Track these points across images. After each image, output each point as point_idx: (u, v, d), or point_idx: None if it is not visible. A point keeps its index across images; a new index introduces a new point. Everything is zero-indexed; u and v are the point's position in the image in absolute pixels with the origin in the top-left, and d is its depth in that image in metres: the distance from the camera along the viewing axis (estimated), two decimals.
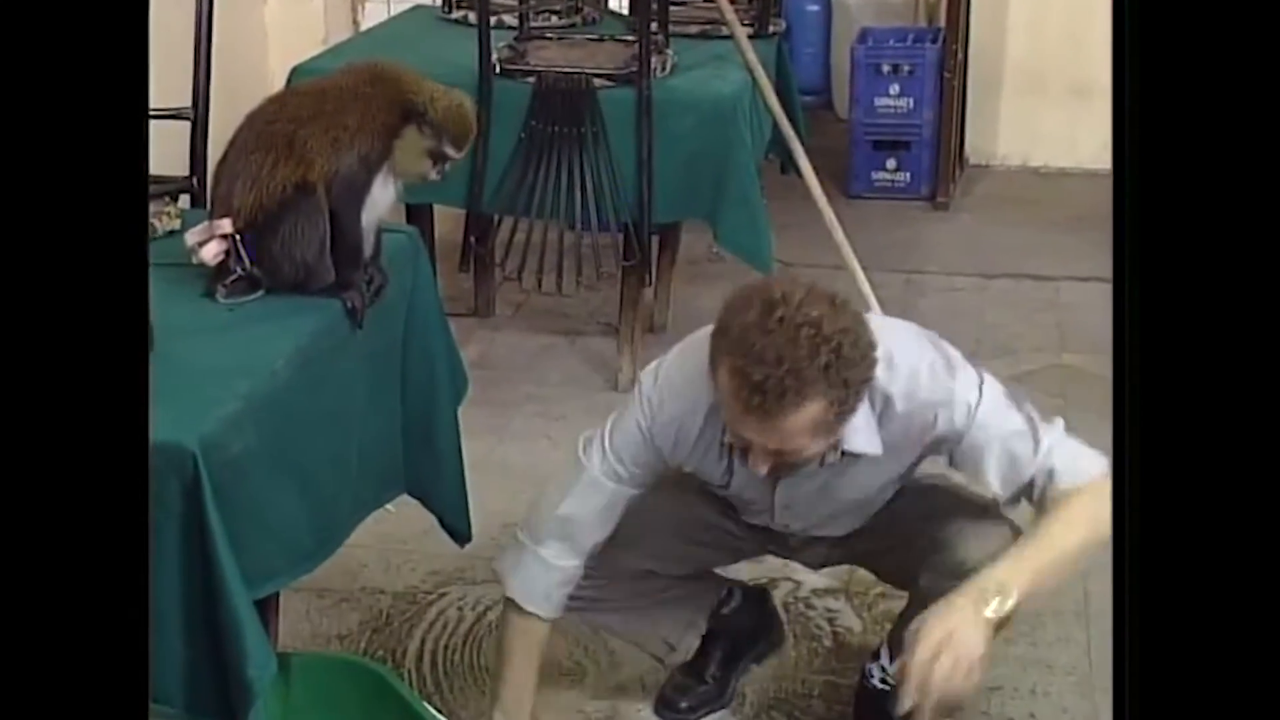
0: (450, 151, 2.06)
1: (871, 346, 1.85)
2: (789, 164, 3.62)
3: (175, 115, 2.40)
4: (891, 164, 4.79)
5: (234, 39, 3.86)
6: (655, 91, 3.28)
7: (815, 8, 5.31)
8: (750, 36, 3.53)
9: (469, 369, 2.49)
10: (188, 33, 2.53)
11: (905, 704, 1.82)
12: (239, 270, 1.97)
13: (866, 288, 3.35)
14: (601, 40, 3.60)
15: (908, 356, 1.97)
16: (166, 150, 2.00)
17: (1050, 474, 1.97)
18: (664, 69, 3.37)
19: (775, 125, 3.52)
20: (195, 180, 2.42)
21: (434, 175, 2.08)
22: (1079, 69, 4.94)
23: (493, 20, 3.41)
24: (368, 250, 2.05)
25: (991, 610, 1.84)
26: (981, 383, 1.99)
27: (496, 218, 3.57)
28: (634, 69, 3.28)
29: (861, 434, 1.95)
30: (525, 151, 3.34)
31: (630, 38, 3.43)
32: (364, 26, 4.73)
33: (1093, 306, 3.99)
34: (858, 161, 4.80)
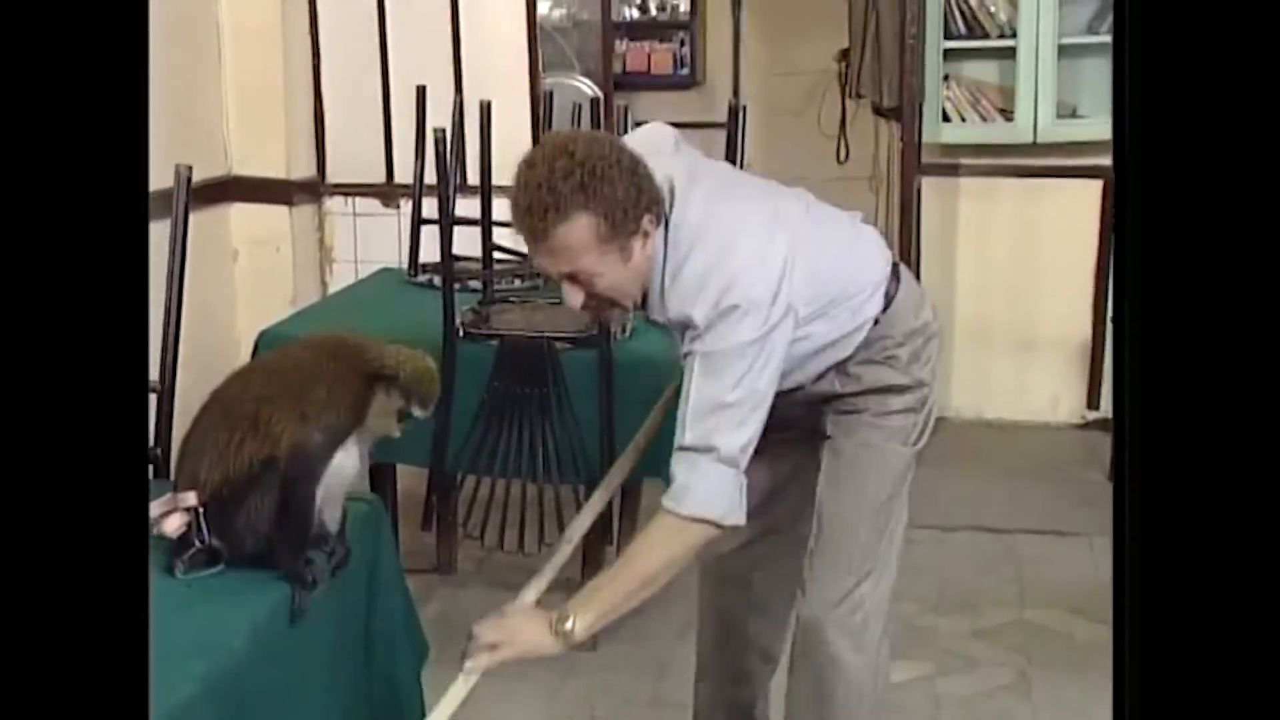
0: (417, 412, 2.10)
1: (634, 171, 2.06)
2: None
3: None
4: None
5: (203, 299, 3.94)
6: (616, 354, 3.36)
7: None
8: None
9: (430, 627, 2.48)
10: (155, 300, 2.58)
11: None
12: (200, 543, 1.97)
13: None
14: (562, 303, 3.69)
15: (738, 242, 2.13)
16: None
17: (670, 477, 2.17)
18: (624, 332, 3.45)
19: None
20: (160, 451, 2.44)
21: (396, 433, 2.12)
22: (1024, 327, 5.12)
23: (457, 284, 3.51)
24: (332, 524, 2.06)
25: (559, 630, 2.15)
26: (744, 312, 2.09)
27: (460, 476, 3.59)
28: (595, 332, 3.36)
29: (655, 307, 2.21)
30: (489, 412, 3.39)
31: None
32: (333, 286, 4.84)
33: (1051, 560, 4.02)
34: None
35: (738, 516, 2.18)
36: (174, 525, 1.97)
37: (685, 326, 2.17)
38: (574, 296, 2.17)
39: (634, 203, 2.06)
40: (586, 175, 2.02)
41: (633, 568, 2.20)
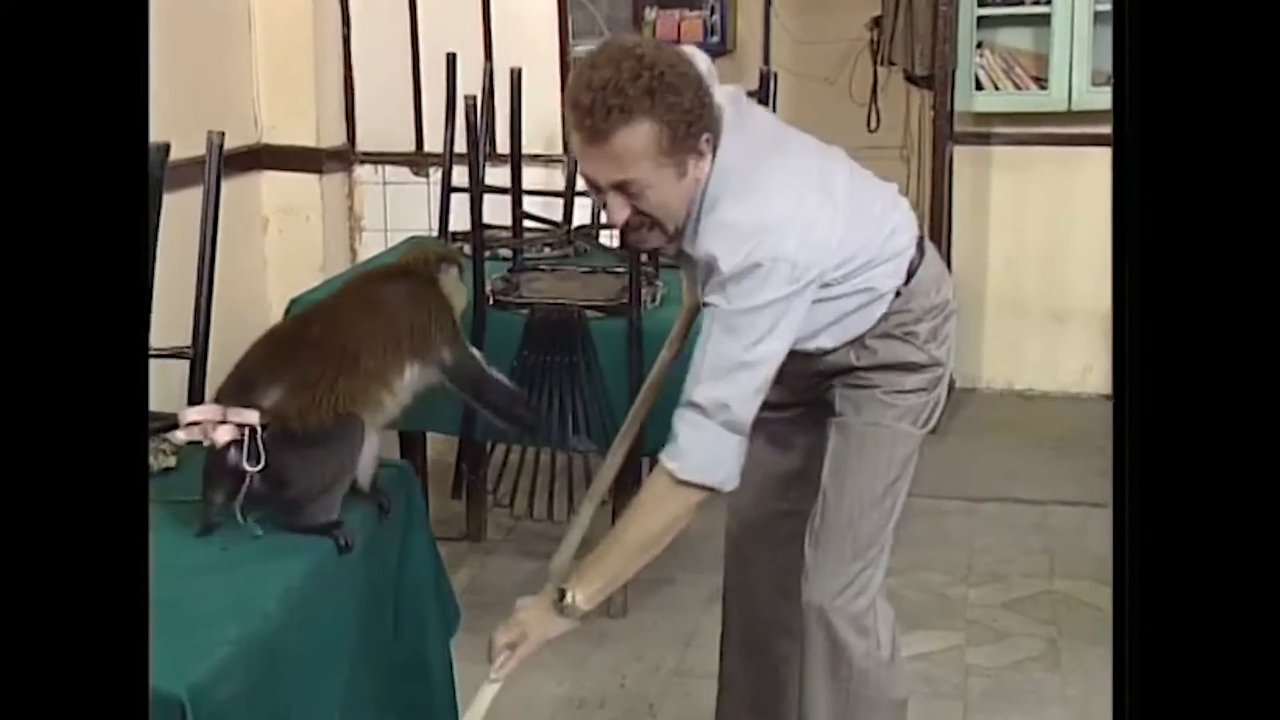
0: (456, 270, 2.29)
1: (699, 85, 1.99)
2: None
3: (175, 354, 2.45)
4: None
5: (234, 267, 3.95)
6: (645, 322, 3.36)
7: None
8: None
9: (460, 595, 2.48)
10: (187, 266, 2.59)
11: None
12: (242, 466, 1.88)
13: None
14: (593, 272, 3.70)
15: (774, 193, 2.07)
16: (162, 387, 2.01)
17: (673, 434, 2.10)
18: (654, 300, 3.45)
19: None
20: None
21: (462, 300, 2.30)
22: (1056, 298, 5.09)
23: (487, 252, 3.51)
24: (365, 480, 2.09)
25: (562, 608, 2.16)
26: (769, 271, 2.02)
27: (489, 444, 3.60)
28: (624, 300, 3.36)
29: (687, 237, 2.11)
30: (518, 380, 3.38)
31: (621, 269, 3.53)
32: (362, 255, 4.85)
33: (1082, 530, 4.01)
34: None
35: (735, 482, 2.14)
36: (224, 436, 1.89)
37: (709, 270, 2.08)
38: (620, 211, 2.04)
39: (697, 117, 1.98)
40: (655, 80, 1.92)
41: (632, 533, 2.16)
